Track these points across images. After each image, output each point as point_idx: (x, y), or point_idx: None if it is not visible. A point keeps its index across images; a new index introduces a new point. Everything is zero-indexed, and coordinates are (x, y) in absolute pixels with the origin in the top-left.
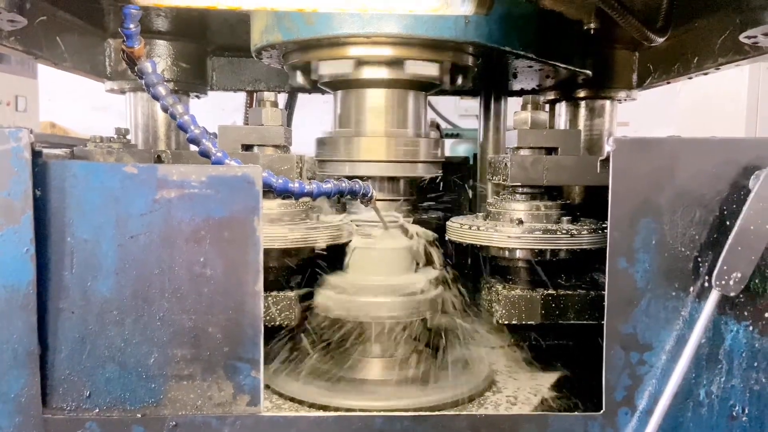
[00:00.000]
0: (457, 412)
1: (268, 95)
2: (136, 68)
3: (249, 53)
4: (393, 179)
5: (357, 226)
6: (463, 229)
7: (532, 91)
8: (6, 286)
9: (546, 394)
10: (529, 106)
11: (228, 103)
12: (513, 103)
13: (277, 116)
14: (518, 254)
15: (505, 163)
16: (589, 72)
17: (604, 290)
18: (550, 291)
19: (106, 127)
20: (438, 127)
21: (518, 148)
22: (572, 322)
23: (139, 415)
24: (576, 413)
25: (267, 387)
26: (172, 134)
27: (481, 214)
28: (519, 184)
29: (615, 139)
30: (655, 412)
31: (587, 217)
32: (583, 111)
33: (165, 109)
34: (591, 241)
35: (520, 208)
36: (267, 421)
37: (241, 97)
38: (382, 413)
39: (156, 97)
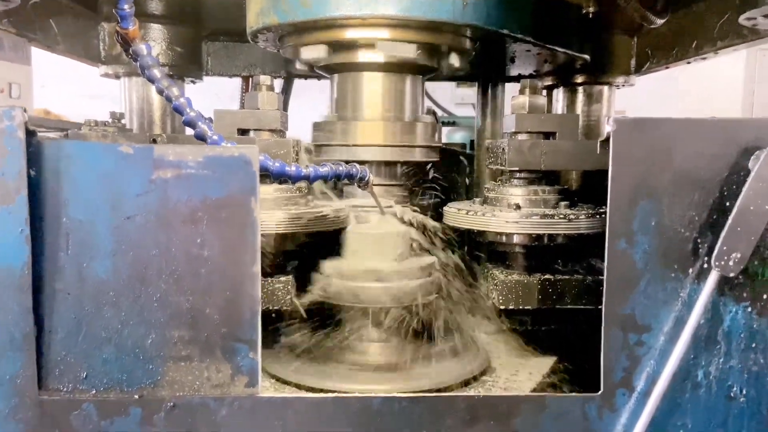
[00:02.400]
0: (455, 394)
1: (264, 79)
2: (130, 50)
3: (244, 38)
4: (390, 164)
5: (354, 210)
6: (460, 214)
7: (530, 77)
8: (1, 267)
9: (542, 379)
10: (527, 90)
11: (224, 89)
12: (510, 89)
13: (273, 100)
14: (515, 239)
15: (503, 148)
16: (587, 57)
17: (602, 275)
18: (547, 276)
19: (101, 114)
20: (434, 114)
21: (516, 132)
22: (569, 306)
23: (136, 396)
24: (574, 394)
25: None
26: (167, 119)
27: (478, 199)
28: (517, 168)
29: (616, 119)
30: (653, 393)
31: (584, 202)
32: (580, 97)
33: (160, 92)
34: (589, 226)
35: (517, 193)
36: (265, 402)
37: (237, 84)
38: (380, 395)
39: (151, 80)
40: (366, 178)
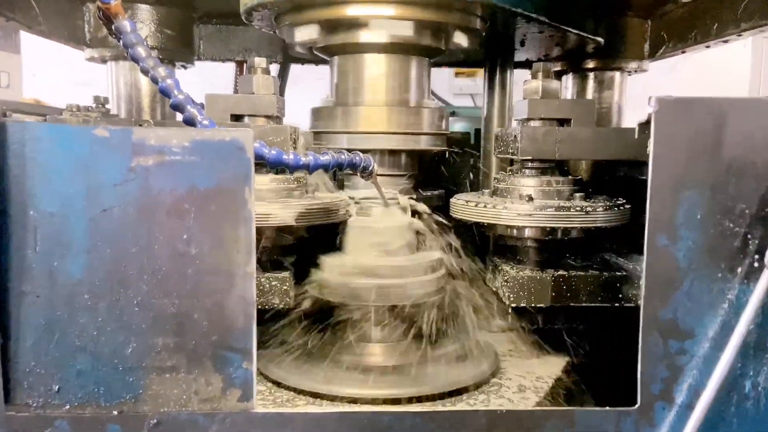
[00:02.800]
0: (474, 408)
1: (259, 61)
2: (113, 28)
3: (238, 20)
4: (394, 152)
5: (356, 203)
6: (468, 206)
7: (539, 61)
8: None
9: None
10: (540, 74)
11: (217, 79)
12: (519, 76)
13: (269, 84)
14: (528, 233)
15: (515, 136)
16: (601, 39)
17: (617, 271)
18: (561, 272)
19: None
20: None
21: (528, 119)
22: (584, 304)
23: (115, 412)
24: (607, 408)
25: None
26: (157, 106)
27: (486, 190)
28: (529, 158)
29: (658, 98)
30: (697, 406)
31: (597, 194)
32: (591, 83)
33: (145, 72)
34: (606, 219)
35: (530, 183)
36: (260, 418)
37: (231, 72)
38: (390, 409)
39: (135, 59)
40: (370, 168)
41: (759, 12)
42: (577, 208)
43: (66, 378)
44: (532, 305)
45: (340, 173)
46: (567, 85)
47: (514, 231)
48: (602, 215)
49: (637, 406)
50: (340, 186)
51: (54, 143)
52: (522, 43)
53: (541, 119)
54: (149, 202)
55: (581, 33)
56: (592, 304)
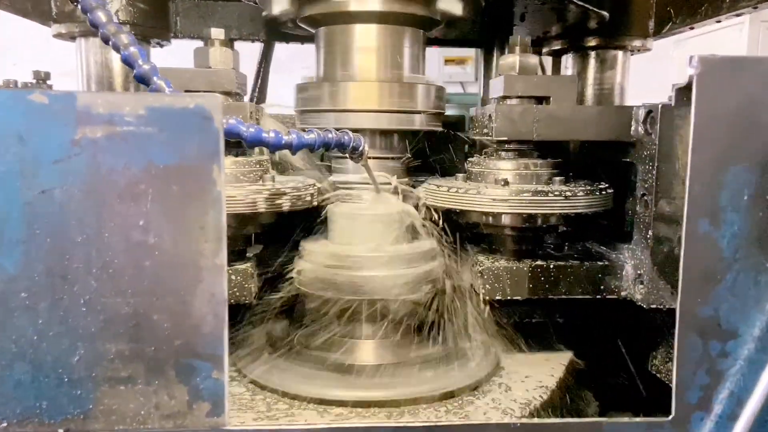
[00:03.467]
0: (487, 422)
1: (217, 32)
2: None
3: None
4: (386, 133)
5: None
6: (440, 191)
7: (538, 40)
8: None
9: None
10: (518, 48)
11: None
12: None
13: (228, 57)
14: (504, 220)
15: (489, 115)
16: (606, 13)
17: (600, 261)
18: (539, 262)
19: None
20: None
21: (504, 97)
22: (564, 296)
23: (60, 431)
24: (637, 419)
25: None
26: (131, 86)
27: (461, 175)
28: (505, 139)
29: (702, 57)
30: (741, 417)
31: (581, 178)
32: (592, 62)
33: (106, 40)
34: (587, 204)
35: (506, 167)
36: None
37: None
38: (388, 424)
39: (94, 25)
40: (360, 148)
41: None
42: (556, 193)
43: (2, 391)
44: (508, 298)
45: (327, 154)
46: (567, 65)
47: (490, 218)
48: (583, 200)
49: (671, 416)
50: (328, 170)
51: None
52: (522, 18)
53: (519, 97)
54: (98, 181)
55: (587, 5)
56: (573, 297)
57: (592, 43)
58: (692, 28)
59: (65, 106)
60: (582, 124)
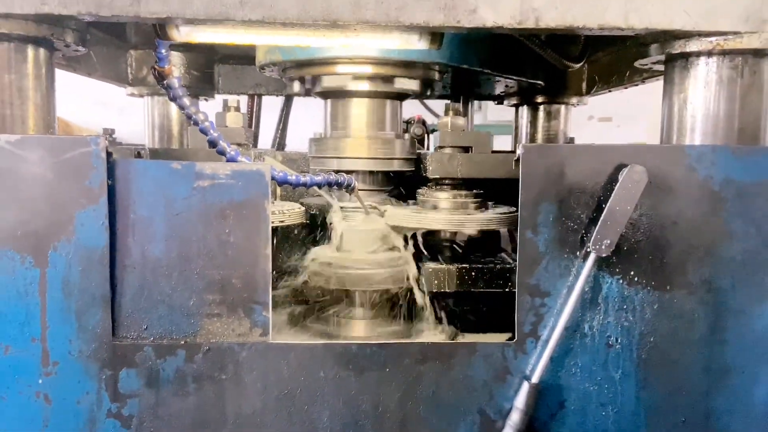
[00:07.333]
0: (410, 341)
1: (232, 101)
2: (164, 83)
3: (252, 61)
4: (373, 173)
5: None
6: (396, 215)
7: (497, 96)
8: (89, 248)
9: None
10: (451, 112)
11: None
12: (485, 106)
13: (239, 119)
14: (441, 234)
15: (428, 159)
16: (540, 82)
17: (508, 264)
18: (464, 264)
19: (107, 119)
20: (423, 123)
21: (441, 147)
22: (482, 290)
23: (182, 342)
24: (495, 341)
25: None
26: (184, 132)
27: (412, 201)
28: (438, 177)
29: (524, 145)
30: (551, 340)
31: (507, 204)
32: (541, 114)
33: (189, 117)
34: (497, 222)
35: (441, 196)
36: (274, 347)
37: (244, 102)
38: (357, 342)
39: (181, 107)
40: (351, 185)
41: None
42: (475, 215)
43: (151, 320)
44: (442, 290)
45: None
46: (522, 115)
47: (430, 234)
48: (494, 219)
49: (515, 340)
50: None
51: (145, 172)
52: (478, 85)
53: (450, 147)
54: (205, 209)
55: (522, 79)
56: (489, 290)
57: (540, 99)
58: (609, 91)
59: (189, 169)
60: (491, 166)
